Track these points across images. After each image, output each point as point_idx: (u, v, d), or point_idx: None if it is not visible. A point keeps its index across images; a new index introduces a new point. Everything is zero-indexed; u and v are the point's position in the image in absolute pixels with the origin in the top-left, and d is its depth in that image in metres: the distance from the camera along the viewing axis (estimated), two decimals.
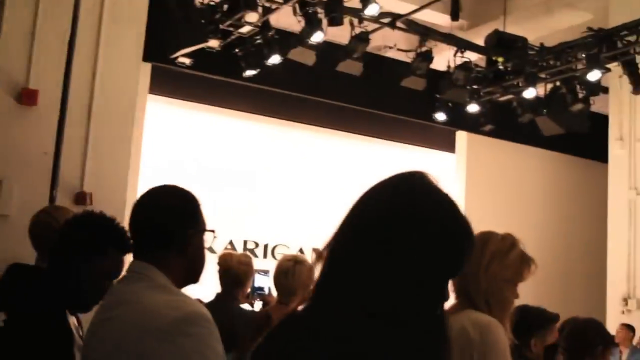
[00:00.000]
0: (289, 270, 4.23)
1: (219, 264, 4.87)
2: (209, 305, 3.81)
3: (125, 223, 2.67)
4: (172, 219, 2.15)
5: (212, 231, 2.23)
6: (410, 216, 1.41)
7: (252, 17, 7.98)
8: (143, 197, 2.22)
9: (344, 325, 1.38)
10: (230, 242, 9.63)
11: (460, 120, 10.40)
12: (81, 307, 2.71)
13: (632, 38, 8.37)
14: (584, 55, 8.76)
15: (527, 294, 3.21)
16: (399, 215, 1.42)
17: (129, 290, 2.10)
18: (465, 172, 11.44)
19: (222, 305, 4.49)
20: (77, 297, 2.65)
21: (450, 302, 2.67)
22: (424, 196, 1.45)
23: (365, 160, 10.90)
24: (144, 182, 8.37)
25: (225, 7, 7.98)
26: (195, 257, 2.19)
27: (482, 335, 2.52)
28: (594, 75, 8.80)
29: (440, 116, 10.05)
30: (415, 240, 1.39)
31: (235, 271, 4.80)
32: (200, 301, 2.34)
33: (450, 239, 1.41)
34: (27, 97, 6.90)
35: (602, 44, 8.51)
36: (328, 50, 8.54)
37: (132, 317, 2.00)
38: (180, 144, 9.74)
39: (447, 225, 1.41)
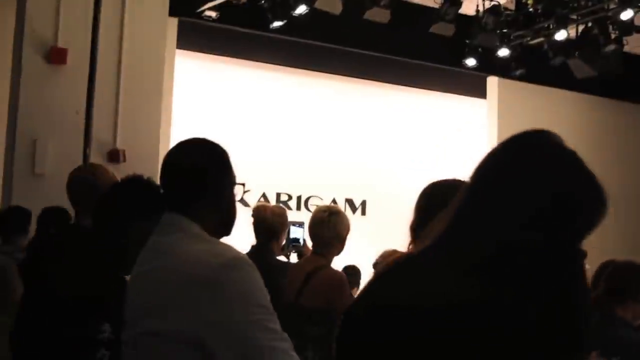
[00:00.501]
0: (324, 221, 4.26)
1: (253, 216, 4.90)
2: None
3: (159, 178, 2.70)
4: (203, 171, 2.16)
5: (242, 184, 2.24)
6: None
7: None
8: (174, 150, 2.24)
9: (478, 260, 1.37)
10: (263, 195, 9.67)
11: (491, 66, 10.26)
12: (124, 268, 2.76)
13: None
14: None
15: None
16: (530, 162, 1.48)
17: (165, 241, 2.11)
18: (497, 117, 11.32)
19: (258, 256, 4.52)
20: (122, 257, 2.70)
21: None
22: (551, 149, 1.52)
23: (396, 109, 10.83)
24: (175, 137, 8.40)
25: None
26: (227, 208, 2.21)
27: None
28: (626, 15, 8.62)
29: (471, 62, 9.93)
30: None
31: (269, 223, 4.83)
32: None
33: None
34: (56, 56, 6.93)
35: None
36: None
37: (172, 268, 2.01)
38: (210, 98, 9.74)
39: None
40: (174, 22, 8.75)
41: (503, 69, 10.25)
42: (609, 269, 3.80)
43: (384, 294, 1.45)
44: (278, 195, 9.94)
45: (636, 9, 8.57)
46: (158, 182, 2.42)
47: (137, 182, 2.79)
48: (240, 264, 1.99)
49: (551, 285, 1.38)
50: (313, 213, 4.46)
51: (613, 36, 9.06)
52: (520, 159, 1.49)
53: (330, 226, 4.24)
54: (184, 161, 2.19)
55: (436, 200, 2.41)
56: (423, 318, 1.35)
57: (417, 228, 2.82)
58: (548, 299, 1.36)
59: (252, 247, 4.87)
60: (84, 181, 3.27)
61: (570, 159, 1.50)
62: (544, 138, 1.53)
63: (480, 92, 11.46)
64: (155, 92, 7.50)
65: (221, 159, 2.22)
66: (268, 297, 2.00)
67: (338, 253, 4.38)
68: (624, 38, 9.08)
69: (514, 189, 1.44)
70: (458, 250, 1.41)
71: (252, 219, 4.90)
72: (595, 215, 1.44)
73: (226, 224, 2.23)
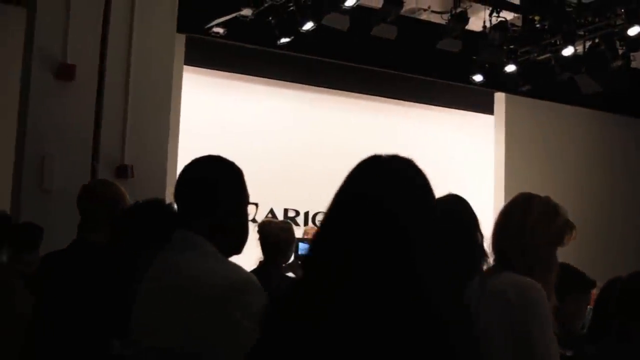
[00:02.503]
0: None
1: (259, 232, 4.89)
2: (253, 273, 3.84)
3: (168, 193, 2.72)
4: (218, 190, 2.18)
5: (256, 204, 2.25)
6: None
7: None
8: (189, 167, 2.24)
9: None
10: (271, 211, 9.68)
11: (498, 81, 10.27)
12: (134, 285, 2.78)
13: None
14: (622, 11, 8.59)
15: (569, 255, 3.18)
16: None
17: (176, 258, 2.12)
18: (504, 133, 11.32)
19: (265, 273, 4.51)
20: (133, 276, 2.72)
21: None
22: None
23: (403, 125, 10.84)
24: (183, 153, 8.42)
25: None
26: (240, 227, 2.22)
27: (522, 297, 2.50)
28: (633, 30, 8.62)
29: (478, 78, 9.94)
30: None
31: (275, 238, 4.82)
32: None
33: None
34: (64, 72, 6.95)
35: None
36: (362, 14, 8.48)
37: (181, 286, 2.02)
38: (217, 114, 9.77)
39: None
40: (181, 38, 8.79)
41: (510, 85, 10.26)
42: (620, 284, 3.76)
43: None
44: (286, 211, 9.94)
45: None
46: (168, 198, 2.47)
47: (157, 206, 2.83)
48: (248, 287, 2.00)
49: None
50: None
51: (620, 52, 9.06)
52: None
53: None
54: (198, 178, 2.20)
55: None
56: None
57: None
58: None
59: (260, 262, 4.86)
60: (95, 197, 3.29)
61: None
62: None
63: (488, 108, 11.47)
64: (163, 108, 7.52)
65: (235, 177, 2.23)
66: None
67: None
68: (631, 54, 9.08)
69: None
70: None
71: (257, 235, 4.88)
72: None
73: (238, 243, 2.23)
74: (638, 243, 11.22)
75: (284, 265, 4.94)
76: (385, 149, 1.64)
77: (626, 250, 11.06)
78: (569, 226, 2.70)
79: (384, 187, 1.55)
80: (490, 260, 2.74)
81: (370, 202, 1.51)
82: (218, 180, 2.19)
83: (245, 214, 2.24)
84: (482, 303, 2.58)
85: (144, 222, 2.75)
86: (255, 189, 2.35)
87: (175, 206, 2.29)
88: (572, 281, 3.69)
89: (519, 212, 2.65)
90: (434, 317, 1.40)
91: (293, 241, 5.01)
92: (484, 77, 9.91)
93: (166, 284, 2.08)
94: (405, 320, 1.38)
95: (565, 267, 3.56)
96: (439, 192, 2.91)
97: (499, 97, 11.39)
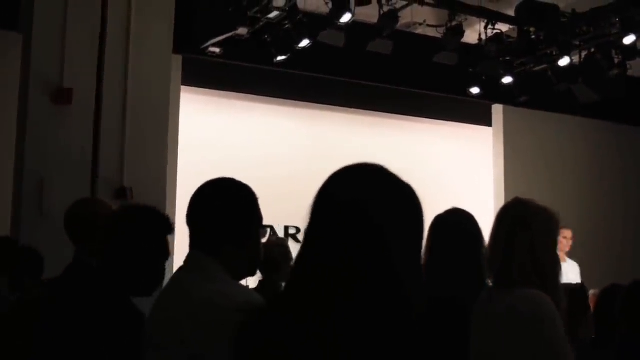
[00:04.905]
0: None
1: None
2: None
3: (168, 213, 2.73)
4: (232, 213, 2.17)
5: (270, 227, 2.26)
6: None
7: (279, 2, 7.96)
8: (202, 190, 2.23)
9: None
10: (271, 228, 9.66)
11: (496, 93, 10.29)
12: (142, 291, 2.76)
13: None
14: (617, 20, 8.61)
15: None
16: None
17: (184, 279, 2.12)
18: (503, 145, 11.33)
19: (263, 292, 4.49)
20: (135, 281, 2.72)
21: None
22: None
23: (402, 139, 10.84)
24: (182, 174, 8.41)
25: None
26: (254, 250, 2.21)
27: (533, 310, 2.47)
28: (629, 39, 8.65)
29: (475, 90, 9.96)
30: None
31: (270, 255, 4.80)
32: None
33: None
34: (61, 96, 6.96)
35: (635, 6, 8.36)
36: (357, 30, 8.49)
37: (184, 309, 2.02)
38: (216, 133, 9.77)
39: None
40: (178, 59, 8.80)
41: (507, 97, 10.27)
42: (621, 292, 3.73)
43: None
44: (286, 228, 9.92)
45: (638, 34, 8.59)
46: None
47: (131, 208, 2.87)
48: (251, 309, 1.99)
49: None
50: None
51: (616, 61, 9.08)
52: None
53: None
54: (212, 203, 2.19)
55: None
56: None
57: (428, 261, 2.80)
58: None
59: (259, 282, 4.84)
60: (80, 217, 3.28)
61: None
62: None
63: (486, 120, 11.48)
64: (161, 129, 7.52)
65: (250, 201, 2.22)
66: None
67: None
68: (627, 62, 9.10)
69: None
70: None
71: None
72: None
73: (252, 265, 2.23)
74: (637, 250, 11.20)
75: (281, 282, 4.92)
76: (384, 163, 1.64)
77: (626, 257, 11.03)
78: (559, 227, 2.68)
79: (358, 192, 1.62)
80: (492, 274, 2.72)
81: (343, 208, 1.60)
82: (233, 204, 2.18)
83: (258, 237, 2.23)
84: (492, 319, 2.55)
85: (123, 228, 2.75)
86: None
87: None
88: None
89: (522, 225, 2.62)
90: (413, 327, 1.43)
91: (290, 258, 4.98)
92: (481, 90, 9.92)
93: (170, 307, 2.08)
94: (390, 331, 1.42)
95: None
96: (439, 205, 2.90)
97: (497, 109, 11.40)
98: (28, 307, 3.39)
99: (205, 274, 2.09)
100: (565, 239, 7.52)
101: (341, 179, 1.70)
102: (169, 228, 2.73)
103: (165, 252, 2.75)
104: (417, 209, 1.57)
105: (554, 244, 2.64)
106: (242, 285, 2.13)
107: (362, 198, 1.56)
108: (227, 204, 2.18)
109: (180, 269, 2.18)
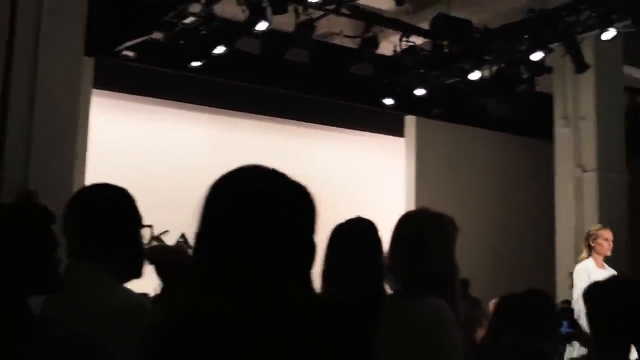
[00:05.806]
0: None
1: (147, 258, 4.77)
2: (154, 300, 3.76)
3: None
4: (109, 216, 2.16)
5: (150, 226, 2.23)
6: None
7: (195, 7, 7.90)
8: (77, 197, 2.24)
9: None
10: (183, 236, 9.54)
11: (409, 105, 10.44)
12: (41, 287, 2.68)
13: (572, 18, 8.48)
14: (526, 37, 8.86)
15: (479, 272, 3.23)
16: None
17: (71, 289, 2.10)
18: (414, 156, 11.50)
19: (164, 299, 4.44)
20: (28, 278, 2.63)
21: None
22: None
23: (317, 148, 10.88)
24: (91, 177, 8.24)
25: None
26: (135, 252, 2.21)
27: (429, 318, 2.50)
28: (536, 56, 8.90)
29: (389, 101, 10.08)
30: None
31: (168, 260, 4.71)
32: (145, 295, 2.35)
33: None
34: None
35: (543, 25, 8.61)
36: (274, 38, 8.50)
37: (76, 316, 2.01)
38: (127, 138, 9.60)
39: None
40: (90, 61, 8.63)
41: (421, 108, 10.44)
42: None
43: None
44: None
45: (546, 51, 8.85)
46: None
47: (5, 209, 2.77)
48: (132, 311, 2.01)
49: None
50: None
51: (525, 76, 9.34)
52: None
53: None
54: (88, 208, 2.18)
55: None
56: None
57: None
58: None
59: (161, 288, 4.77)
60: None
61: None
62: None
63: (399, 131, 11.63)
64: (69, 132, 7.34)
65: (127, 204, 2.21)
66: None
67: None
68: (535, 78, 9.37)
69: None
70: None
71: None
72: None
73: (135, 267, 2.21)
74: (535, 258, 11.44)
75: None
76: (300, 171, 1.66)
77: (533, 264, 11.31)
78: (456, 230, 2.72)
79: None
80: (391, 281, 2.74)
81: (233, 201, 1.65)
82: (109, 208, 2.17)
83: (138, 238, 2.22)
84: (395, 325, 2.57)
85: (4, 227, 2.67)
86: (161, 213, 2.32)
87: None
88: None
89: (432, 232, 2.65)
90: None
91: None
92: (395, 101, 10.05)
93: (61, 317, 2.06)
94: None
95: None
96: (349, 213, 2.91)
97: (410, 120, 11.56)
98: None
99: (94, 280, 2.08)
100: (606, 241, 6.19)
101: (232, 175, 1.73)
102: (49, 218, 2.66)
103: (52, 243, 2.68)
104: (308, 205, 1.63)
105: (449, 250, 2.67)
106: (128, 289, 2.12)
107: (253, 191, 1.63)
108: (103, 208, 2.17)
109: (66, 279, 2.15)
